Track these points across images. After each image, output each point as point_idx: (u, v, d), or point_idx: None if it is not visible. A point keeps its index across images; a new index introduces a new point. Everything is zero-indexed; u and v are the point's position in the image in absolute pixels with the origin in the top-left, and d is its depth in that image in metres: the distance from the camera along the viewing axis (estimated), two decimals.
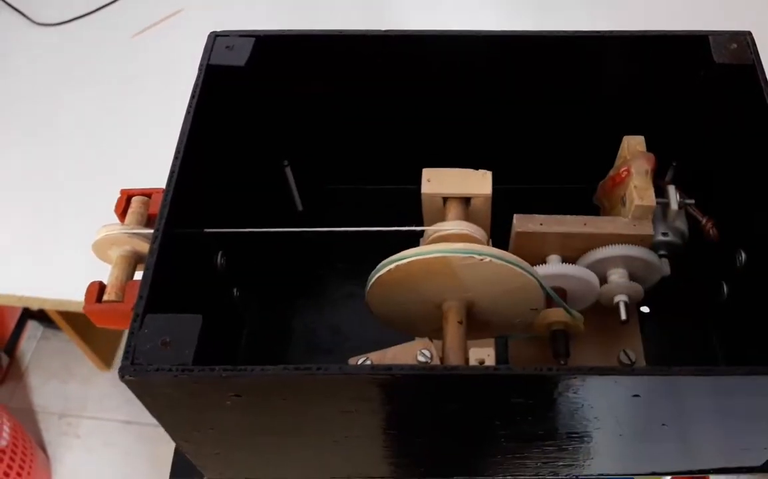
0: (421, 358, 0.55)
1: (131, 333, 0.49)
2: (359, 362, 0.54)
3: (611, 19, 1.08)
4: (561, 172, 0.77)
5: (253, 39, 0.63)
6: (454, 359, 0.56)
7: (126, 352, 0.48)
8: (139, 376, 0.47)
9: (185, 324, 0.49)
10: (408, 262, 0.55)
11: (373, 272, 0.58)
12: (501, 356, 0.67)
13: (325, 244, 0.69)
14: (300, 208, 0.78)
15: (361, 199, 0.79)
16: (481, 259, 0.54)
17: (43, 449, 1.55)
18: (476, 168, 0.66)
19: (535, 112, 0.72)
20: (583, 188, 0.73)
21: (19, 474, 1.36)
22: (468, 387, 0.47)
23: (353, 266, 0.74)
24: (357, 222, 0.77)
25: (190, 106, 0.59)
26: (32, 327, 1.73)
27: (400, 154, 0.75)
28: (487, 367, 0.48)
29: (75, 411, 1.61)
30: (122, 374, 0.47)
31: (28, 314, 1.71)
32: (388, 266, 0.56)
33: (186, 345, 0.48)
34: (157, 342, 0.48)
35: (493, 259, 0.55)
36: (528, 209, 0.76)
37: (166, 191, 0.55)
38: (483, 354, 0.56)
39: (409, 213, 0.66)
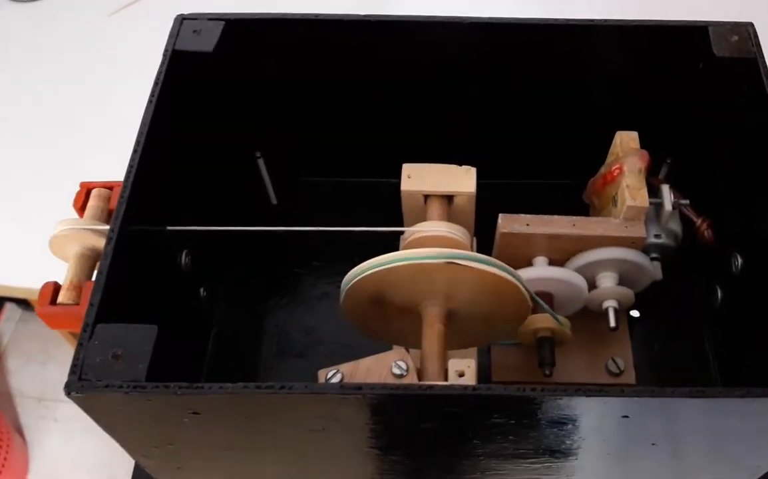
0: (396, 370, 0.51)
1: (80, 345, 0.45)
2: (329, 375, 0.50)
3: (611, 7, 1.03)
4: (550, 167, 0.74)
5: (222, 22, 0.59)
6: (431, 371, 0.52)
7: (73, 365, 0.44)
8: (86, 393, 0.43)
9: (139, 335, 0.45)
10: (381, 270, 0.51)
11: (345, 280, 0.54)
12: (483, 363, 0.64)
13: (300, 241, 0.65)
14: (274, 201, 0.74)
15: (338, 192, 0.75)
16: (461, 264, 0.51)
17: (21, 433, 1.51)
18: (461, 160, 0.62)
19: (523, 103, 0.68)
20: (573, 184, 0.70)
21: None
22: (444, 407, 0.44)
23: (328, 264, 0.71)
24: (334, 216, 0.73)
25: (152, 94, 0.55)
26: (10, 309, 1.69)
27: (380, 146, 0.71)
28: (465, 387, 0.44)
29: (53, 395, 1.57)
30: (68, 390, 0.43)
31: (6, 296, 1.67)
32: (359, 275, 0.52)
33: (139, 359, 0.44)
34: (108, 355, 0.44)
35: (474, 264, 0.51)
36: (515, 204, 0.73)
37: (123, 187, 0.51)
38: (463, 365, 0.52)
39: (390, 207, 0.62)
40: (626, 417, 0.46)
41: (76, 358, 0.44)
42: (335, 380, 0.50)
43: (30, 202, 0.91)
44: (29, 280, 0.86)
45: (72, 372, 0.43)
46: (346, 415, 0.45)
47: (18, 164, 0.95)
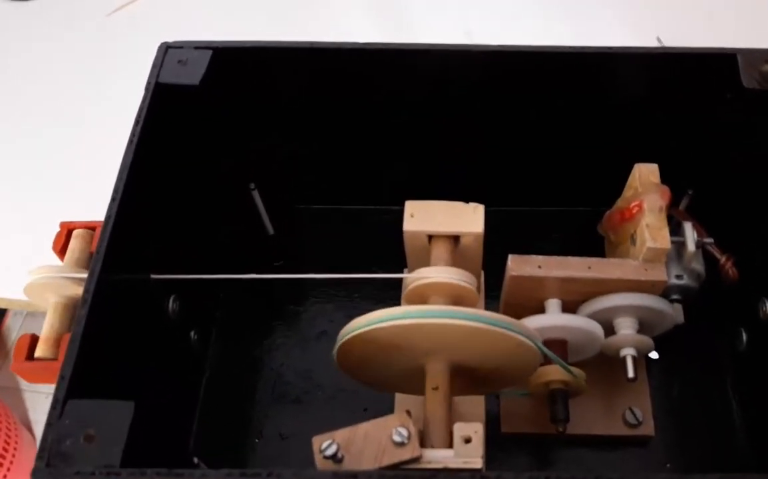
0: (397, 438, 0.47)
1: (48, 425, 0.41)
2: (323, 447, 0.46)
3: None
4: (565, 195, 0.70)
5: (210, 51, 0.55)
6: (435, 437, 0.49)
7: (41, 450, 0.40)
8: None
9: (114, 413, 0.41)
10: (369, 330, 0.47)
11: (339, 335, 0.50)
12: (492, 412, 0.60)
13: (296, 278, 0.61)
14: (271, 231, 0.70)
15: (337, 219, 0.71)
16: (461, 325, 0.47)
17: (29, 429, 1.49)
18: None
19: (538, 130, 0.64)
20: (589, 212, 0.65)
21: (3, 454, 1.31)
22: None
23: (327, 300, 0.67)
24: (334, 245, 0.70)
25: (133, 133, 0.51)
26: None
27: (380, 171, 0.67)
28: (473, 473, 0.40)
29: None
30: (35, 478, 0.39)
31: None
32: (351, 333, 0.48)
33: (113, 441, 0.40)
34: (80, 436, 0.40)
35: (475, 324, 0.47)
36: (528, 232, 0.70)
37: (100, 239, 0.47)
38: (470, 430, 0.48)
39: (392, 233, 0.58)
40: None
41: (44, 441, 0.40)
42: (330, 452, 0.46)
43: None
44: None
45: (39, 457, 0.40)
46: None
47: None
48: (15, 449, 1.35)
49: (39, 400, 1.53)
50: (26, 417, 1.51)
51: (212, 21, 1.01)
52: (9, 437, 1.34)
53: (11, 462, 1.32)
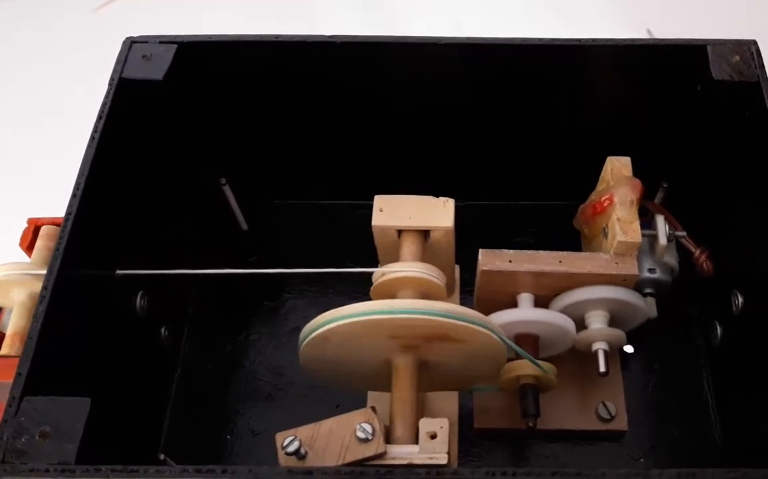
0: (361, 434, 0.46)
1: (4, 421, 0.41)
2: (285, 442, 0.46)
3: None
4: (539, 189, 0.69)
5: (174, 46, 0.55)
6: (400, 433, 0.48)
7: None
8: (10, 477, 0.39)
9: (69, 410, 0.41)
10: (336, 326, 0.47)
11: (301, 335, 0.50)
12: (465, 407, 0.60)
13: (268, 273, 0.61)
14: (244, 227, 0.69)
15: (312, 214, 0.71)
16: (419, 319, 0.46)
17: None
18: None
19: (510, 123, 0.64)
20: (564, 206, 0.65)
21: None
22: None
23: (300, 297, 0.67)
24: (308, 240, 0.69)
25: (95, 129, 0.50)
26: None
27: (354, 166, 0.67)
28: (429, 470, 0.40)
29: None
30: None
31: None
32: (313, 332, 0.48)
33: (68, 438, 0.40)
34: (36, 432, 0.40)
35: (433, 318, 0.47)
36: (502, 227, 0.69)
37: (60, 235, 0.47)
38: (435, 425, 0.47)
39: (365, 231, 0.57)
40: None
41: None
42: (292, 448, 0.45)
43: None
44: None
45: None
46: None
47: None
48: None
49: None
50: None
51: (201, 16, 1.00)
52: None
53: None
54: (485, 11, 1.01)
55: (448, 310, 0.47)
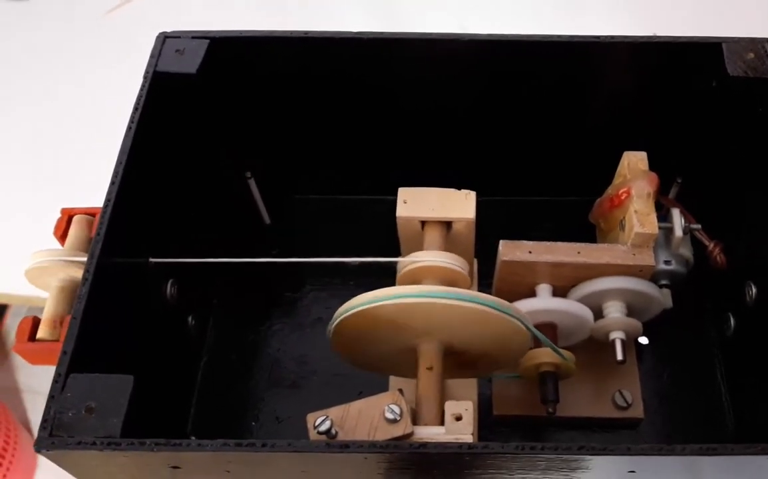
0: (390, 415, 0.48)
1: (51, 397, 0.42)
2: (317, 422, 0.47)
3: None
4: (556, 184, 0.71)
5: (207, 41, 0.56)
6: (426, 414, 0.50)
7: (44, 421, 0.41)
8: (58, 450, 0.40)
9: (113, 387, 0.42)
10: (366, 309, 0.48)
11: (332, 319, 0.51)
12: (484, 395, 0.61)
13: (293, 264, 0.62)
14: (267, 221, 0.71)
15: (334, 209, 0.72)
16: (445, 303, 0.48)
17: (29, 429, 1.49)
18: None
19: (528, 120, 0.65)
20: (580, 201, 0.67)
21: (2, 454, 1.31)
22: (438, 465, 0.41)
23: (322, 289, 0.68)
24: (330, 234, 0.71)
25: (132, 120, 0.52)
26: (17, 305, 1.66)
27: (376, 161, 0.68)
28: (461, 445, 0.41)
29: None
30: (38, 447, 0.41)
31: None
32: (344, 313, 0.50)
33: (113, 413, 0.41)
34: (81, 408, 0.42)
35: (459, 303, 0.48)
36: (520, 221, 0.71)
37: (99, 223, 0.48)
38: (460, 408, 0.49)
39: (388, 222, 0.59)
40: (633, 472, 0.43)
41: (47, 412, 0.42)
42: (324, 427, 0.47)
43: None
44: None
45: (43, 427, 0.41)
46: (333, 469, 0.43)
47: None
48: (14, 449, 1.35)
49: (38, 400, 1.54)
50: (25, 417, 1.51)
51: (210, 19, 1.02)
52: (8, 437, 1.34)
53: (11, 462, 1.32)
54: (485, 11, 1.04)
55: (482, 298, 0.49)
